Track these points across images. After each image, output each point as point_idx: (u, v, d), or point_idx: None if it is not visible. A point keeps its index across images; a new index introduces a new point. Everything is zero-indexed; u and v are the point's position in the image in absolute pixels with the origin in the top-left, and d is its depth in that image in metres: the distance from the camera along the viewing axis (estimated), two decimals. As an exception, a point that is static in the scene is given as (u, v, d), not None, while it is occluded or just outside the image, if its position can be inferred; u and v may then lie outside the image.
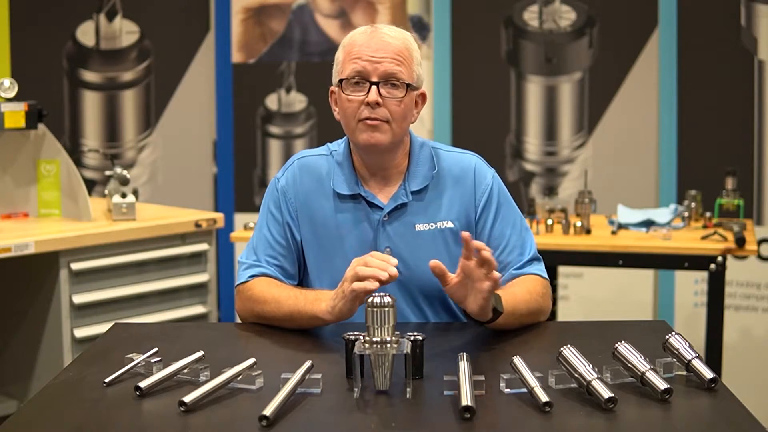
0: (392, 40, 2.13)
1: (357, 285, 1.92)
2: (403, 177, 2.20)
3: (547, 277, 2.21)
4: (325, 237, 2.19)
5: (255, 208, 4.88)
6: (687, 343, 1.77)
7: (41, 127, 3.49)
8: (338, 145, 2.25)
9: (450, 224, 2.19)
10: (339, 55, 2.18)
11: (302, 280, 2.27)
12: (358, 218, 2.18)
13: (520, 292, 2.11)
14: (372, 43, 2.12)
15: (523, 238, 2.21)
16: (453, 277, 1.91)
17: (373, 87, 2.09)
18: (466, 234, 1.87)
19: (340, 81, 2.14)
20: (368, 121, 2.10)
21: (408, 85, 2.12)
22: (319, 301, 2.06)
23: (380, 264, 1.92)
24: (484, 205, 2.20)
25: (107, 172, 3.70)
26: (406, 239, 2.17)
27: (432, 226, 2.18)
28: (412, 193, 2.18)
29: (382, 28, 2.15)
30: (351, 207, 2.19)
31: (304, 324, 2.09)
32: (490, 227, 2.20)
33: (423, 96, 2.20)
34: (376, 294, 1.71)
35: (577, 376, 1.67)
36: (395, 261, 1.93)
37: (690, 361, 1.74)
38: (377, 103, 2.09)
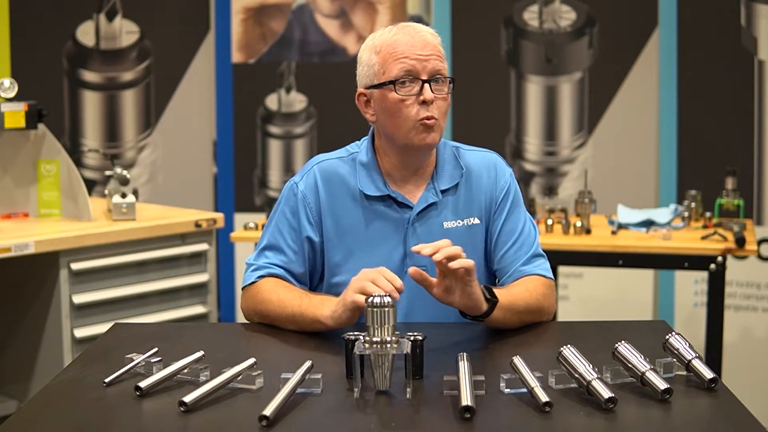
0: (431, 37, 2.14)
1: (358, 298, 1.93)
2: (430, 176, 2.20)
3: (551, 276, 2.21)
4: (353, 239, 2.18)
5: (255, 208, 4.88)
6: (687, 343, 1.77)
7: (41, 127, 3.49)
8: (358, 147, 2.24)
9: (476, 220, 2.21)
10: (372, 58, 2.14)
11: (319, 285, 2.25)
12: (387, 219, 2.18)
13: (519, 289, 2.12)
14: (415, 41, 2.11)
15: (531, 236, 2.23)
16: (435, 282, 1.95)
17: (426, 85, 2.09)
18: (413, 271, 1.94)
19: (391, 82, 2.10)
20: (427, 122, 2.09)
21: (452, 80, 2.14)
22: (322, 306, 2.06)
23: (386, 286, 1.91)
24: (500, 202, 2.22)
25: (107, 172, 3.70)
26: (435, 238, 2.14)
27: (459, 223, 2.20)
28: (441, 191, 2.19)
29: (416, 26, 2.15)
30: (380, 208, 2.18)
31: (306, 327, 2.08)
32: (502, 223, 2.21)
33: None
34: (377, 294, 1.71)
35: (577, 376, 1.67)
36: (401, 283, 1.93)
37: (690, 361, 1.74)
38: (432, 101, 2.09)
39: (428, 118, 2.09)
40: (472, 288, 1.96)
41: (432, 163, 2.21)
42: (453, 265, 1.90)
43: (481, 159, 2.26)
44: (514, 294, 2.10)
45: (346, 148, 2.26)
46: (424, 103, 2.09)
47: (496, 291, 2.06)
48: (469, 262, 1.92)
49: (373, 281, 1.93)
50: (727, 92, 4.36)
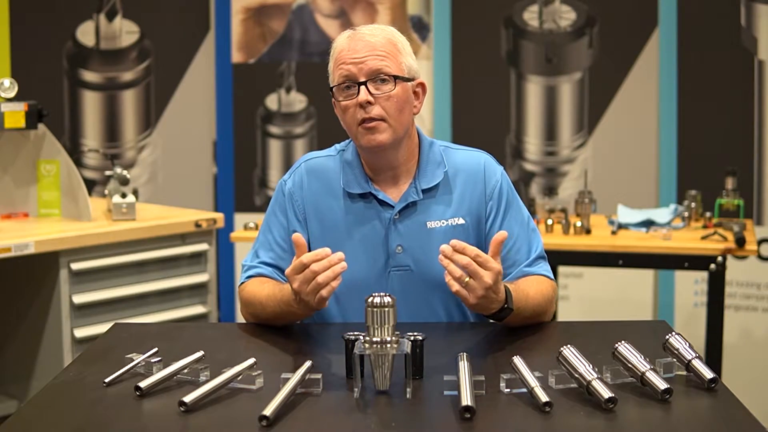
0: (372, 38, 2.13)
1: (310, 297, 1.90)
2: (413, 176, 2.20)
3: (553, 278, 2.21)
4: (336, 237, 2.18)
5: (255, 208, 4.88)
6: (687, 343, 1.77)
7: (41, 127, 3.49)
8: (346, 145, 2.26)
9: (461, 221, 2.19)
10: (329, 65, 2.20)
11: None
12: (368, 217, 2.18)
13: (533, 292, 2.10)
14: (352, 45, 2.13)
15: (530, 236, 2.22)
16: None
17: (362, 87, 2.10)
18: (453, 245, 1.85)
19: (332, 89, 2.16)
20: (365, 124, 2.11)
21: (396, 77, 2.12)
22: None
23: (328, 274, 1.87)
24: (493, 202, 2.20)
25: (107, 172, 3.70)
26: (418, 237, 2.17)
27: (443, 223, 2.18)
28: (423, 191, 2.18)
29: (362, 29, 2.16)
30: (362, 206, 2.19)
31: (290, 317, 2.07)
32: (500, 225, 2.19)
33: (422, 86, 2.20)
34: (377, 294, 1.71)
35: (577, 376, 1.67)
36: (340, 256, 1.89)
37: (690, 361, 1.74)
38: (369, 102, 2.10)
39: (366, 120, 2.10)
40: (494, 296, 1.91)
41: (412, 162, 2.21)
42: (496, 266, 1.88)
43: (468, 159, 2.24)
44: (529, 299, 2.06)
45: (335, 146, 2.28)
46: (361, 105, 2.10)
47: (514, 291, 2.02)
48: (485, 283, 1.86)
49: (312, 273, 1.87)
50: (727, 92, 4.36)
